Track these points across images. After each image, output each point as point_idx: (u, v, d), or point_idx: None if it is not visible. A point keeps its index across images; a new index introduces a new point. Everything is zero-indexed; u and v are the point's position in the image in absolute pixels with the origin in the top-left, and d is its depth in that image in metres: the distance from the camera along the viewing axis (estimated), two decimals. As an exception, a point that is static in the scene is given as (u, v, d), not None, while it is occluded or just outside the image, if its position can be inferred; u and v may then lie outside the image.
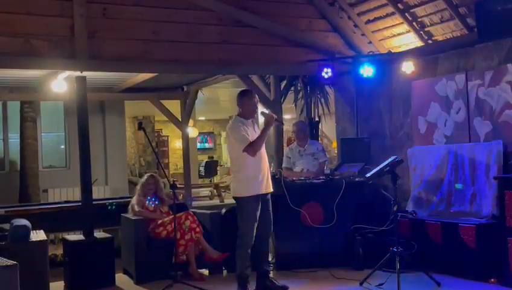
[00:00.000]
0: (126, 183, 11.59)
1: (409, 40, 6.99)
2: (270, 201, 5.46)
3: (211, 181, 16.13)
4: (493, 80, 5.93)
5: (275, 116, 5.45)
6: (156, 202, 6.42)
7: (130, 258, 6.26)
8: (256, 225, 5.29)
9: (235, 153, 5.35)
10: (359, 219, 6.42)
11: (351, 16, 7.27)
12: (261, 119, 5.54)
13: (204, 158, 18.99)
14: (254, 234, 5.29)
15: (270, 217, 5.44)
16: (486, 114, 6.03)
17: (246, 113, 5.42)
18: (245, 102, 5.43)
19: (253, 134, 5.32)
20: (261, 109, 5.67)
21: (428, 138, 6.71)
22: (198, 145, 18.44)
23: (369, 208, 6.54)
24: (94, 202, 6.52)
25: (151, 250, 6.12)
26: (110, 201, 7.59)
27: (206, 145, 20.92)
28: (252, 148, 5.19)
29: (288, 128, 9.96)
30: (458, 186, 6.18)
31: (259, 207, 5.31)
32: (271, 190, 5.44)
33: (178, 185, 7.01)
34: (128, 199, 6.90)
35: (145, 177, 6.70)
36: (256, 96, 5.63)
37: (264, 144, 5.41)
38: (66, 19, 6.00)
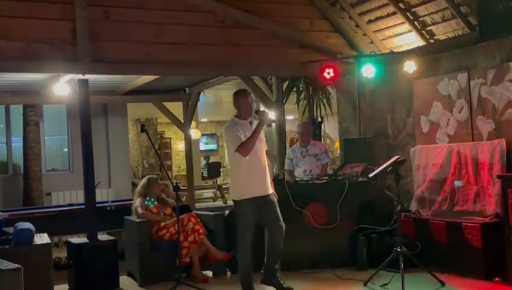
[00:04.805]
0: (129, 186, 11.62)
1: (411, 40, 6.99)
2: (275, 201, 5.37)
3: (214, 183, 16.14)
4: (495, 79, 5.92)
5: (267, 114, 5.36)
6: (156, 203, 6.41)
7: (133, 261, 6.27)
8: (252, 228, 5.25)
9: (230, 153, 5.30)
10: (362, 219, 6.42)
11: (352, 16, 7.27)
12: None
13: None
14: (251, 237, 5.26)
15: (276, 216, 5.31)
16: (488, 113, 6.01)
17: (242, 113, 5.34)
18: (240, 102, 5.36)
19: (249, 135, 5.21)
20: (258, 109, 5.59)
21: (431, 137, 6.70)
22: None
23: (373, 208, 6.53)
24: (97, 205, 6.52)
25: (154, 252, 6.12)
26: (110, 203, 7.62)
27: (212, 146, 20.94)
28: (243, 148, 5.12)
29: (290, 128, 9.98)
30: (457, 183, 6.18)
31: (259, 210, 5.25)
32: (269, 192, 5.35)
33: (181, 187, 6.99)
34: (131, 202, 6.90)
35: (149, 179, 6.65)
36: (252, 95, 5.54)
37: (263, 145, 5.34)
38: (68, 22, 6.01)
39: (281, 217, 5.36)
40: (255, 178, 5.25)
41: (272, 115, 7.44)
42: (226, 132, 5.31)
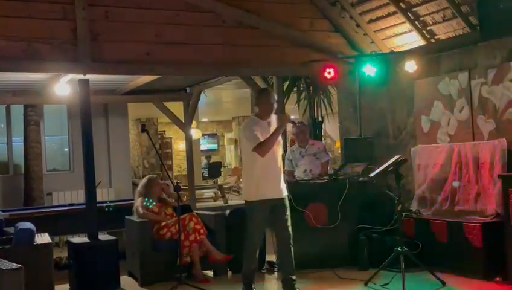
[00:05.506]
0: (130, 186, 11.61)
1: (412, 39, 6.99)
2: (287, 206, 5.23)
3: (214, 182, 16.15)
4: (496, 78, 5.92)
5: (289, 116, 5.30)
6: (154, 203, 6.41)
7: (134, 261, 6.27)
8: (262, 230, 5.18)
9: (245, 153, 5.21)
10: (363, 218, 6.41)
11: (353, 16, 7.27)
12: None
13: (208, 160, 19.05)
14: (259, 238, 5.20)
15: (285, 222, 5.20)
16: (489, 112, 6.01)
17: (263, 112, 5.22)
18: (262, 101, 5.24)
19: (267, 135, 5.09)
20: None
21: (432, 137, 6.70)
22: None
23: (373, 208, 6.53)
24: (98, 205, 6.52)
25: (155, 252, 6.12)
26: (108, 203, 7.63)
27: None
28: (261, 148, 5.00)
29: (290, 128, 9.97)
30: (455, 184, 6.18)
31: (270, 213, 5.15)
32: (283, 195, 5.23)
33: (182, 187, 7.01)
34: (131, 202, 6.90)
35: (149, 179, 6.65)
36: (274, 95, 5.42)
37: (280, 148, 5.25)
38: (68, 22, 6.01)
39: (289, 224, 5.24)
40: (269, 180, 5.13)
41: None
42: (244, 130, 5.23)
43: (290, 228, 5.24)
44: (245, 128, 5.23)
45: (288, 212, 5.24)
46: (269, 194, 5.14)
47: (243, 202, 5.34)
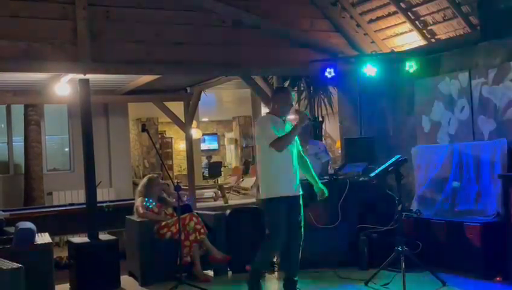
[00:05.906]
0: (130, 185, 11.62)
1: (412, 39, 6.99)
2: (301, 205, 5.11)
3: (214, 182, 16.15)
4: (497, 78, 5.92)
5: (307, 115, 5.26)
6: (154, 203, 6.41)
7: (134, 260, 6.27)
8: (283, 228, 4.98)
9: (261, 150, 5.09)
10: (364, 218, 6.41)
11: (353, 16, 7.27)
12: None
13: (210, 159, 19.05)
14: (284, 237, 4.99)
15: (298, 222, 5.05)
16: (490, 112, 6.01)
17: (279, 110, 5.12)
18: (280, 99, 5.15)
19: (283, 134, 5.01)
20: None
21: (433, 136, 6.70)
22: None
23: (374, 208, 6.52)
24: (98, 204, 6.52)
25: (155, 252, 6.12)
26: (107, 203, 7.64)
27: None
28: (278, 143, 4.90)
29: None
30: (455, 184, 6.17)
31: (287, 209, 4.98)
32: (299, 193, 5.10)
33: (182, 187, 7.00)
34: (131, 202, 6.90)
35: (149, 178, 6.65)
36: (292, 94, 5.34)
37: (297, 146, 5.17)
38: (69, 22, 6.01)
39: (302, 224, 5.10)
40: (285, 177, 5.02)
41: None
42: (259, 127, 5.15)
43: (302, 229, 5.12)
44: (261, 124, 5.15)
45: (302, 212, 5.13)
46: (285, 191, 5.01)
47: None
